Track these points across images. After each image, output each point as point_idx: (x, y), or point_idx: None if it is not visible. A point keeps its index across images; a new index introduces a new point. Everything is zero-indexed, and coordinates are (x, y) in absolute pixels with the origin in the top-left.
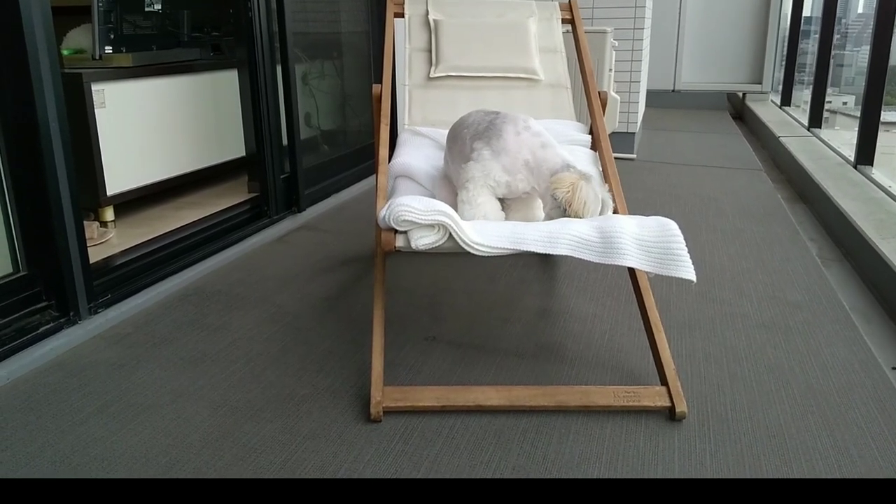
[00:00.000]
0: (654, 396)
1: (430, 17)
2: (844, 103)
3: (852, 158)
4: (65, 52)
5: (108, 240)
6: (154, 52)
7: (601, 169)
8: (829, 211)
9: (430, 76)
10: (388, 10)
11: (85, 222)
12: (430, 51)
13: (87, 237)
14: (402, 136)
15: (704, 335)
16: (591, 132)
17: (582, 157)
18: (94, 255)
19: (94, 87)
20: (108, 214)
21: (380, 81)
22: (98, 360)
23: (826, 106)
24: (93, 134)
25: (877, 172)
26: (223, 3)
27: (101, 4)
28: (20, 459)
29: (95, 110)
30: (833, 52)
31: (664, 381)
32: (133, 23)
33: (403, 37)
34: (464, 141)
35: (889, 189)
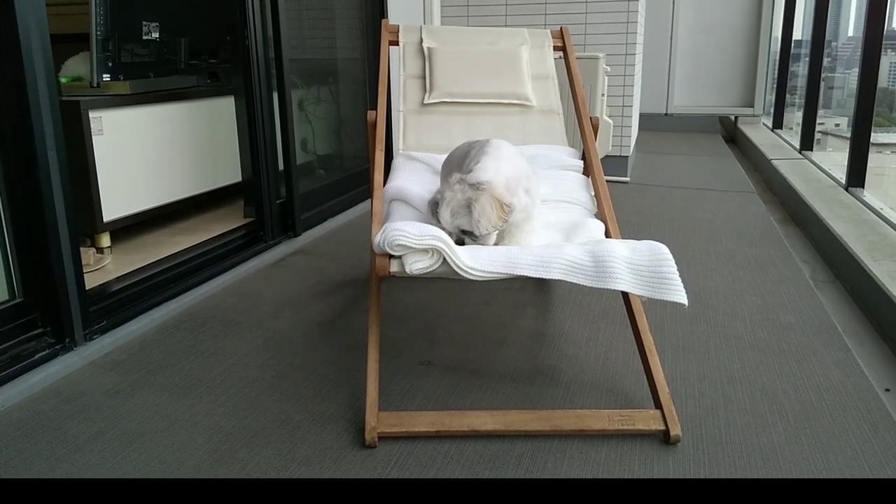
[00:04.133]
0: (648, 420)
1: (424, 45)
2: (837, 125)
3: (844, 181)
4: (63, 80)
5: (105, 266)
6: (151, 79)
7: (593, 194)
8: (821, 233)
9: (425, 102)
10: (382, 38)
11: (81, 248)
12: (425, 77)
13: (83, 263)
14: (397, 161)
15: (698, 358)
16: (583, 157)
17: (573, 182)
18: (90, 282)
19: (92, 115)
20: (105, 240)
21: (375, 108)
22: (93, 387)
23: (819, 128)
24: (90, 161)
25: (868, 195)
26: (220, 30)
27: (99, 33)
28: None
29: (93, 137)
30: (824, 75)
31: (658, 405)
32: (131, 51)
33: (398, 64)
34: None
35: (880, 211)
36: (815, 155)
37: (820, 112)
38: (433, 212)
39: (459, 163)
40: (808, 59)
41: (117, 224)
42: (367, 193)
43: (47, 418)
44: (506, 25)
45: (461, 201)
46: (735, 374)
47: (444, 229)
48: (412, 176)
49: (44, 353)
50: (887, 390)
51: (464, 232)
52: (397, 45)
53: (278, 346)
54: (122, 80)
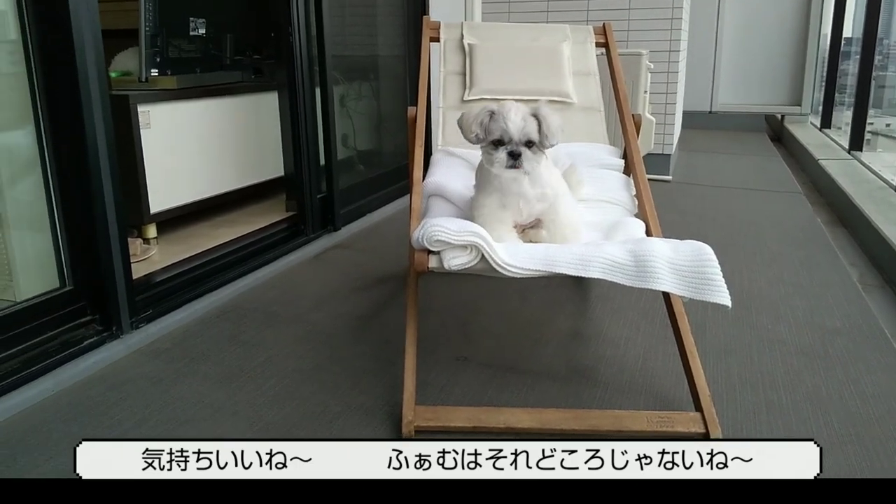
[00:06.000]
0: (688, 422)
1: (465, 42)
2: (888, 125)
3: (894, 182)
4: (112, 75)
5: (151, 256)
6: (197, 74)
7: (634, 193)
8: (870, 236)
9: (465, 99)
10: (424, 35)
11: (129, 239)
12: (465, 74)
13: (130, 254)
14: (436, 157)
15: (740, 361)
16: (624, 156)
17: (613, 182)
18: (137, 272)
19: (140, 109)
20: (151, 231)
21: (415, 104)
22: (138, 375)
23: (868, 127)
24: (138, 154)
25: None
26: (265, 27)
27: (147, 29)
28: (63, 469)
29: (141, 131)
30: (875, 74)
31: (698, 407)
32: (178, 47)
33: (438, 60)
34: None
35: None
36: (865, 155)
37: (870, 112)
38: (483, 126)
39: None
40: (858, 56)
41: (163, 216)
42: (406, 189)
43: (94, 404)
44: (547, 22)
45: (527, 111)
46: (778, 378)
47: (495, 140)
48: (451, 171)
49: (92, 339)
50: None
51: (527, 143)
52: (438, 41)
53: (318, 339)
54: (169, 75)
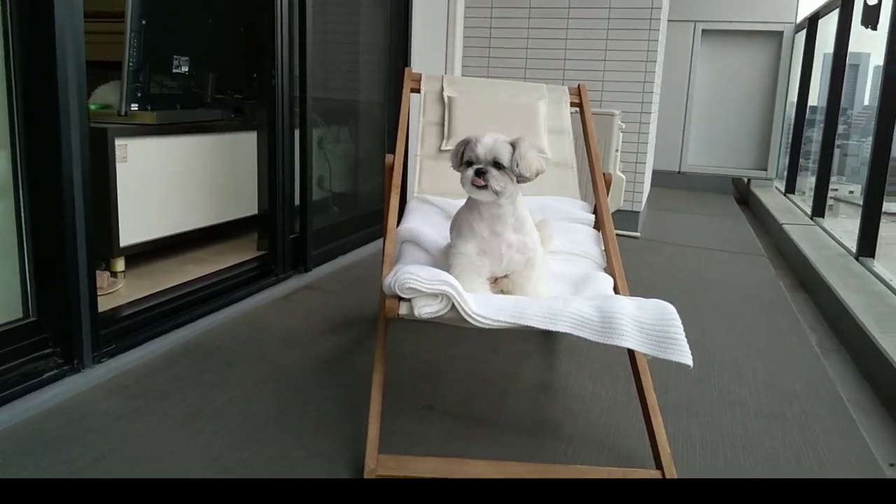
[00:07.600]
0: None
1: (445, 94)
2: (851, 192)
3: (854, 250)
4: (92, 107)
5: (117, 290)
6: (178, 111)
7: (603, 248)
8: (829, 301)
9: (442, 148)
10: (405, 85)
11: (96, 272)
12: (443, 125)
13: (97, 286)
14: (412, 204)
15: (701, 420)
16: (594, 211)
17: (583, 235)
18: (102, 305)
19: (118, 142)
20: (119, 265)
21: (393, 152)
22: (98, 411)
23: (832, 194)
24: (112, 187)
25: (878, 265)
26: (248, 67)
27: (131, 64)
28: None
29: (117, 164)
30: (839, 142)
31: (659, 465)
32: (160, 83)
33: (418, 110)
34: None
35: (890, 283)
36: (827, 222)
37: (834, 178)
38: (458, 153)
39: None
40: (822, 125)
41: (133, 250)
42: (379, 233)
43: (51, 438)
44: (525, 79)
45: (505, 139)
46: (737, 439)
47: (466, 161)
48: (425, 219)
49: (52, 372)
50: (892, 465)
51: (495, 164)
52: (418, 92)
53: (282, 381)
54: (149, 110)
